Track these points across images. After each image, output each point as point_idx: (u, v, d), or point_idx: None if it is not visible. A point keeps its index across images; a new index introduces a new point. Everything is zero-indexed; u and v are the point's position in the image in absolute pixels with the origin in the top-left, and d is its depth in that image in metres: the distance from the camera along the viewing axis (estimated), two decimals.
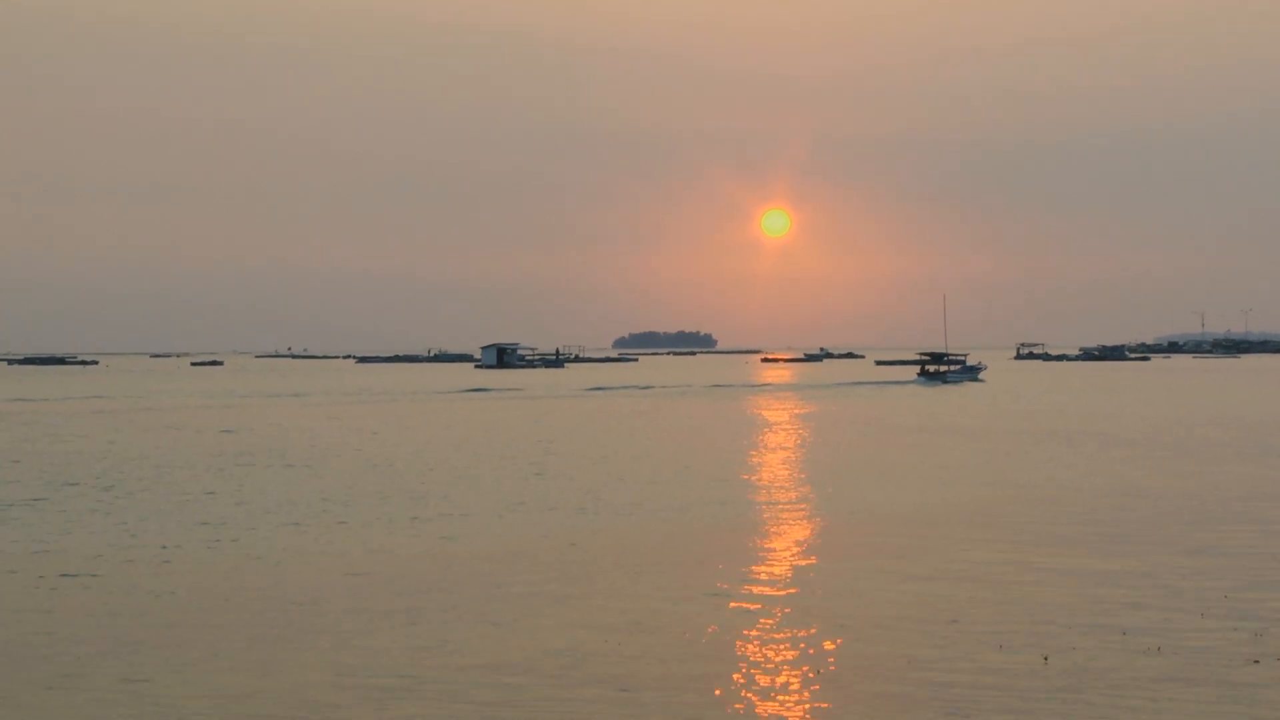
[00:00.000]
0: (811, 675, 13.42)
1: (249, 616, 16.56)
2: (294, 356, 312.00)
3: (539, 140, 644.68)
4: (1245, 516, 25.42)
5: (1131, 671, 13.36)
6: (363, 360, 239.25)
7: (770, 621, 16.00)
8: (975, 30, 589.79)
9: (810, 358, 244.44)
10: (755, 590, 18.11)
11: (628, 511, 26.98)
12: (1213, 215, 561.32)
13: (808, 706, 12.38)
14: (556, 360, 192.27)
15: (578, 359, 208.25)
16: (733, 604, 17.12)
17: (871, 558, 20.76)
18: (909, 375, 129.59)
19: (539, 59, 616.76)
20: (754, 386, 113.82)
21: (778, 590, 18.11)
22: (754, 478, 34.51)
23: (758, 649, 14.59)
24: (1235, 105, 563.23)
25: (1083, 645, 14.48)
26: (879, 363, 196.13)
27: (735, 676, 13.40)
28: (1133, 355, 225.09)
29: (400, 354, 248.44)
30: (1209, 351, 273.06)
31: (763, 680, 13.26)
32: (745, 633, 15.39)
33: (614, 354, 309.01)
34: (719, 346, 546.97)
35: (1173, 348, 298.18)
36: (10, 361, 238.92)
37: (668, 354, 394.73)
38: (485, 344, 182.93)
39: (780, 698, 12.65)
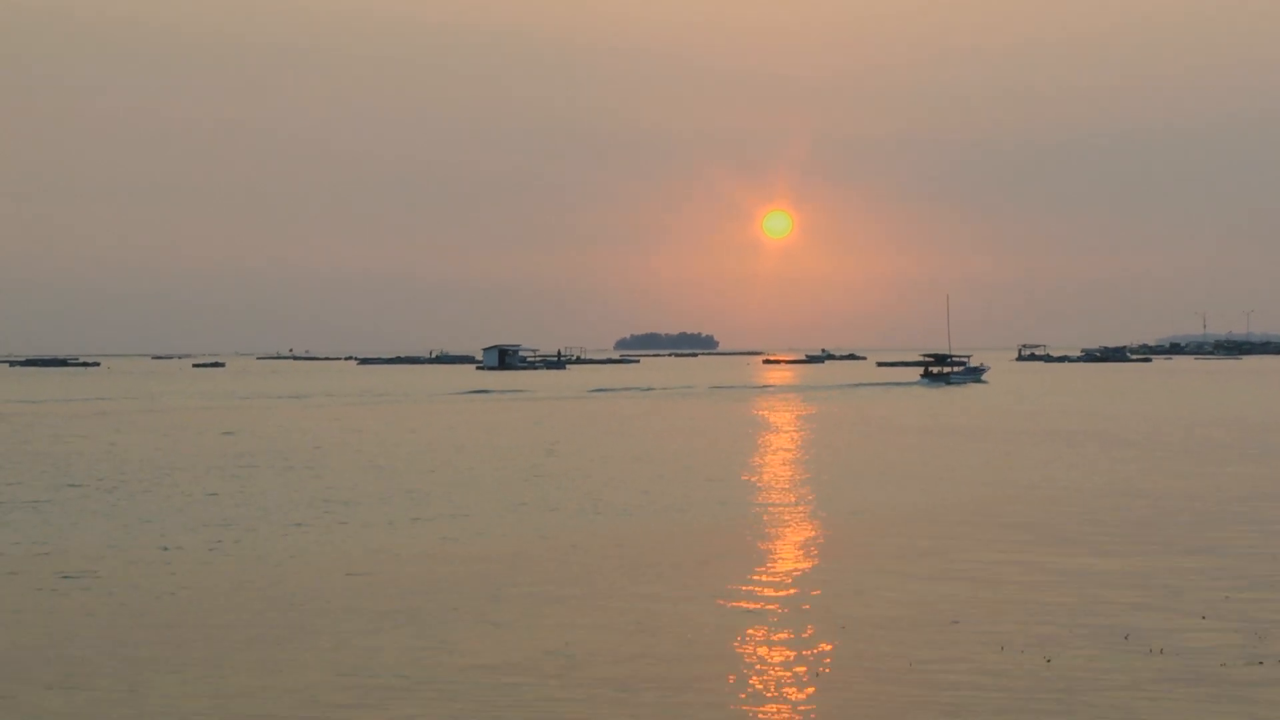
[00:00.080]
0: (811, 675, 13.41)
1: (249, 617, 16.57)
2: (296, 358, 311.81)
3: (539, 140, 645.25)
4: (1246, 517, 25.40)
5: (1132, 672, 13.35)
6: (365, 362, 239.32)
7: (770, 621, 15.99)
8: (975, 30, 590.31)
9: (812, 359, 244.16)
10: (755, 590, 18.11)
11: (628, 512, 26.97)
12: (1213, 215, 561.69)
13: (808, 707, 12.37)
14: (558, 362, 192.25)
15: (579, 360, 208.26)
16: (733, 604, 17.12)
17: (872, 558, 20.76)
18: (911, 376, 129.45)
19: (539, 59, 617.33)
20: (756, 388, 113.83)
21: (778, 590, 18.10)
22: (755, 478, 34.50)
23: (758, 649, 14.58)
24: (1235, 105, 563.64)
25: (1083, 646, 14.47)
26: (880, 364, 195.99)
27: (735, 677, 13.39)
28: (1134, 356, 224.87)
29: (402, 355, 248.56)
30: (1210, 353, 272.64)
31: (763, 681, 13.25)
32: (745, 633, 15.38)
33: (615, 355, 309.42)
34: (720, 348, 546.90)
35: (1174, 349, 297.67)
36: (12, 363, 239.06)
37: (669, 355, 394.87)
38: (486, 344, 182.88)
39: (780, 698, 12.65)
